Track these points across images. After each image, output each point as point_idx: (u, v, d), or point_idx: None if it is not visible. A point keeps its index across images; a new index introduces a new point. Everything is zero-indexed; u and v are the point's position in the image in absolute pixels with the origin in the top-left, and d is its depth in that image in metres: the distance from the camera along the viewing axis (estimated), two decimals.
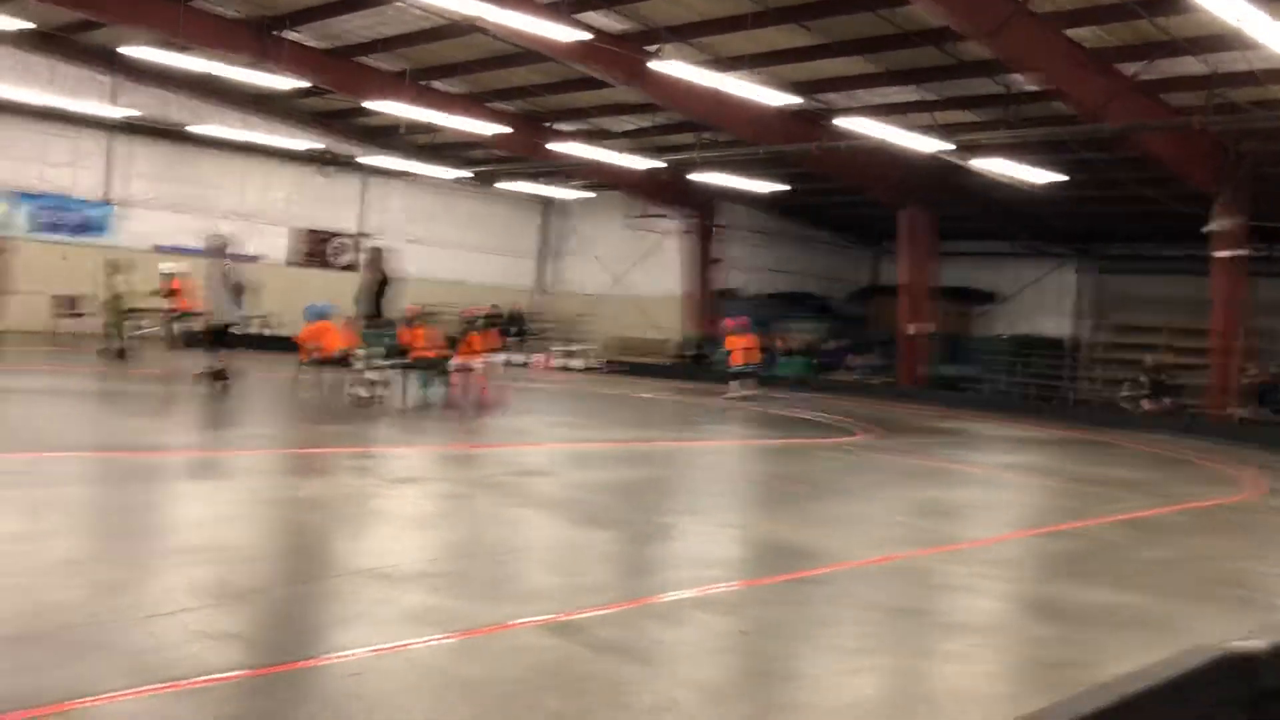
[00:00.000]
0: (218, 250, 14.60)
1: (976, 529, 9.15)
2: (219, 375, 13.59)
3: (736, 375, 20.66)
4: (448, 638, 4.63)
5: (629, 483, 9.99)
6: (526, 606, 5.23)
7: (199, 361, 14.27)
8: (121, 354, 17.92)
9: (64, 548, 5.81)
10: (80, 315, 22.89)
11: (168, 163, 26.17)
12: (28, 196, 24.11)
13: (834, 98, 20.50)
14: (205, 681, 3.85)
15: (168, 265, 18.38)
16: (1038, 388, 25.68)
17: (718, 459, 13.10)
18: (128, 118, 24.44)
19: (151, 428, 11.51)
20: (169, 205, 26.09)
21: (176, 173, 26.33)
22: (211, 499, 7.62)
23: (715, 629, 5.26)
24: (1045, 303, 29.52)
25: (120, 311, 18.21)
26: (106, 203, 25.43)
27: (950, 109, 20.13)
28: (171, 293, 17.83)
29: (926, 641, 5.29)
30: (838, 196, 27.85)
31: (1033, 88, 18.01)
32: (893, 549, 7.50)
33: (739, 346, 20.76)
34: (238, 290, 14.40)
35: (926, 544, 7.89)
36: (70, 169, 24.80)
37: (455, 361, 14.55)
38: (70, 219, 24.78)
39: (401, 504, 8.10)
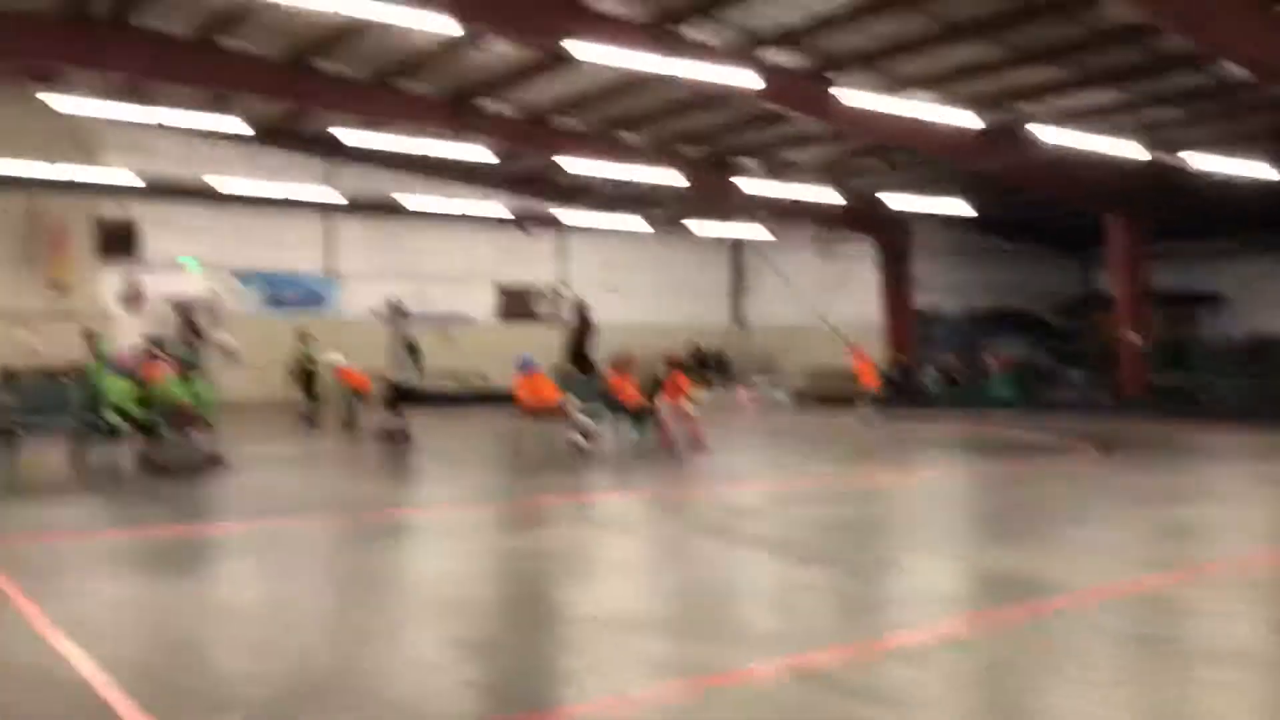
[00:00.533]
0: (394, 315, 15.61)
1: (1225, 549, 8.60)
2: (397, 435, 14.45)
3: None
4: (688, 684, 4.73)
5: (848, 518, 9.90)
6: (762, 650, 5.28)
7: (386, 422, 15.21)
8: (313, 420, 19.20)
9: (317, 606, 6.26)
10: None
11: (380, 235, 27.88)
12: (260, 276, 26.15)
13: (1027, 108, 19.85)
14: None
15: (333, 355, 19.59)
16: (1276, 393, 23.84)
17: (938, 488, 12.79)
18: (345, 198, 26.31)
19: (375, 488, 12.22)
20: (383, 275, 27.72)
21: (388, 244, 28.01)
22: (445, 554, 8.03)
23: (959, 666, 5.16)
24: (1276, 300, 27.44)
25: (310, 377, 19.57)
26: (328, 277, 27.29)
27: (1155, 107, 19.15)
28: (344, 377, 19.16)
29: (1184, 672, 5.03)
30: (1038, 208, 26.85)
31: (1245, 76, 16.94)
32: (1136, 574, 7.16)
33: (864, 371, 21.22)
34: (413, 351, 15.30)
35: (1172, 568, 7.49)
36: (295, 249, 26.79)
37: (663, 404, 14.80)
38: (297, 295, 26.69)
39: (624, 550, 8.31)
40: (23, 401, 11.80)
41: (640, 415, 14.85)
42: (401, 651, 5.27)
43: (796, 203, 25.83)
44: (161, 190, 24.18)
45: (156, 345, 14.04)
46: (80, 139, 22.57)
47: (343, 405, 19.20)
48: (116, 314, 24.16)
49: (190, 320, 15.20)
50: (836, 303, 31.00)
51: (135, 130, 23.41)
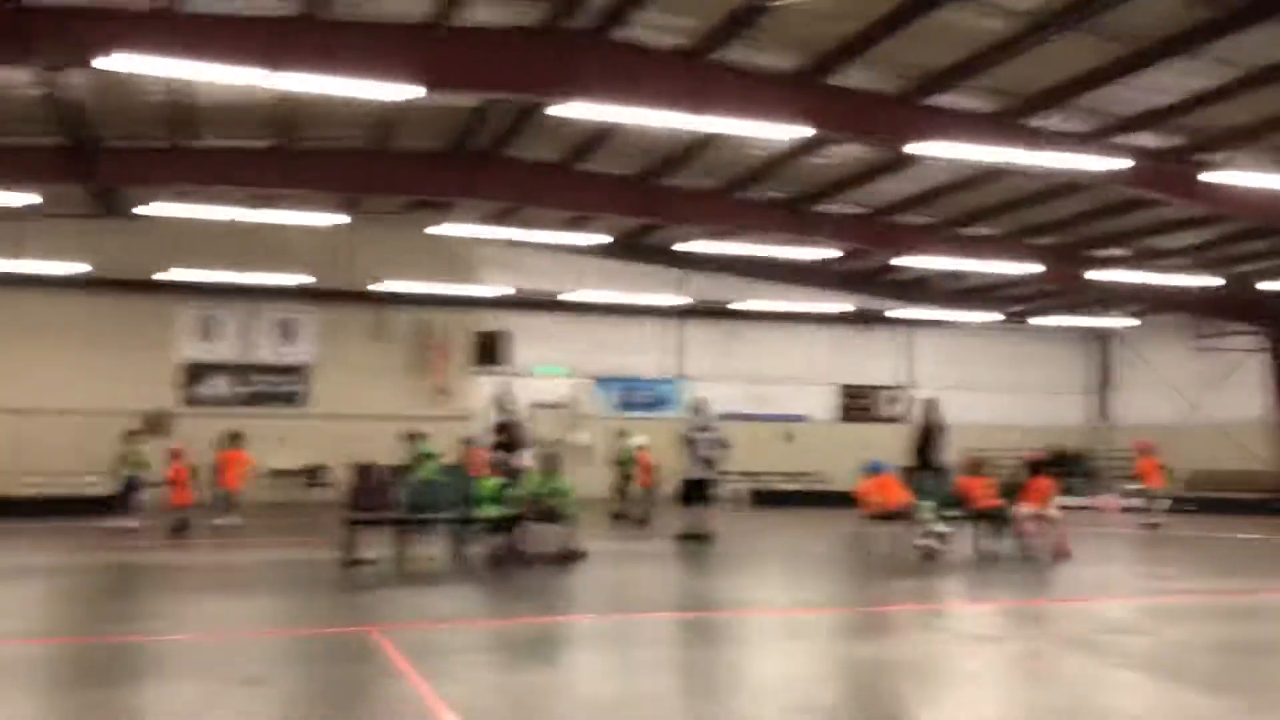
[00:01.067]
0: (693, 412, 15.83)
1: None
2: (697, 535, 14.45)
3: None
4: None
5: (1246, 640, 8.81)
6: None
7: (684, 518, 15.28)
8: (620, 516, 19.87)
9: (672, 703, 6.36)
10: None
11: (724, 338, 28.73)
12: (612, 381, 27.68)
13: None
14: None
15: (637, 440, 20.02)
16: None
17: None
18: (690, 303, 27.46)
19: (719, 586, 12.33)
20: (725, 375, 28.47)
21: (732, 346, 28.79)
22: (791, 657, 7.93)
23: None
24: None
25: (625, 474, 20.04)
26: (672, 379, 28.40)
27: None
28: (639, 463, 19.58)
29: None
30: None
31: None
32: None
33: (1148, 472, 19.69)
34: (711, 448, 15.26)
35: None
36: (646, 354, 28.15)
37: (1023, 509, 13.98)
38: (644, 397, 27.94)
39: (982, 664, 7.84)
40: (409, 499, 13.00)
41: (996, 520, 14.10)
42: None
43: (1164, 291, 23.93)
44: (529, 303, 26.35)
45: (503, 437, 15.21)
46: (461, 260, 25.13)
47: (643, 499, 19.78)
48: (488, 416, 26.41)
49: (511, 426, 16.20)
50: (1219, 398, 28.18)
51: (507, 249, 25.76)
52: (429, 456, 18.09)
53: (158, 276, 22.98)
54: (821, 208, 22.45)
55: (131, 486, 16.87)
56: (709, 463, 15.25)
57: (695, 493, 15.38)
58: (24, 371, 22.43)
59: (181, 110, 17.36)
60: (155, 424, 23.78)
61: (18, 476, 20.18)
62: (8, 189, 18.43)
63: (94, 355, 23.04)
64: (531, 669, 7.36)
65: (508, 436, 16.05)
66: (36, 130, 17.84)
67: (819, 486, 27.56)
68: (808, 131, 15.33)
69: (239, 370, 25.02)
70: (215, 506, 17.07)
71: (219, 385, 24.82)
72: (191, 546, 15.54)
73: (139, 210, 20.19)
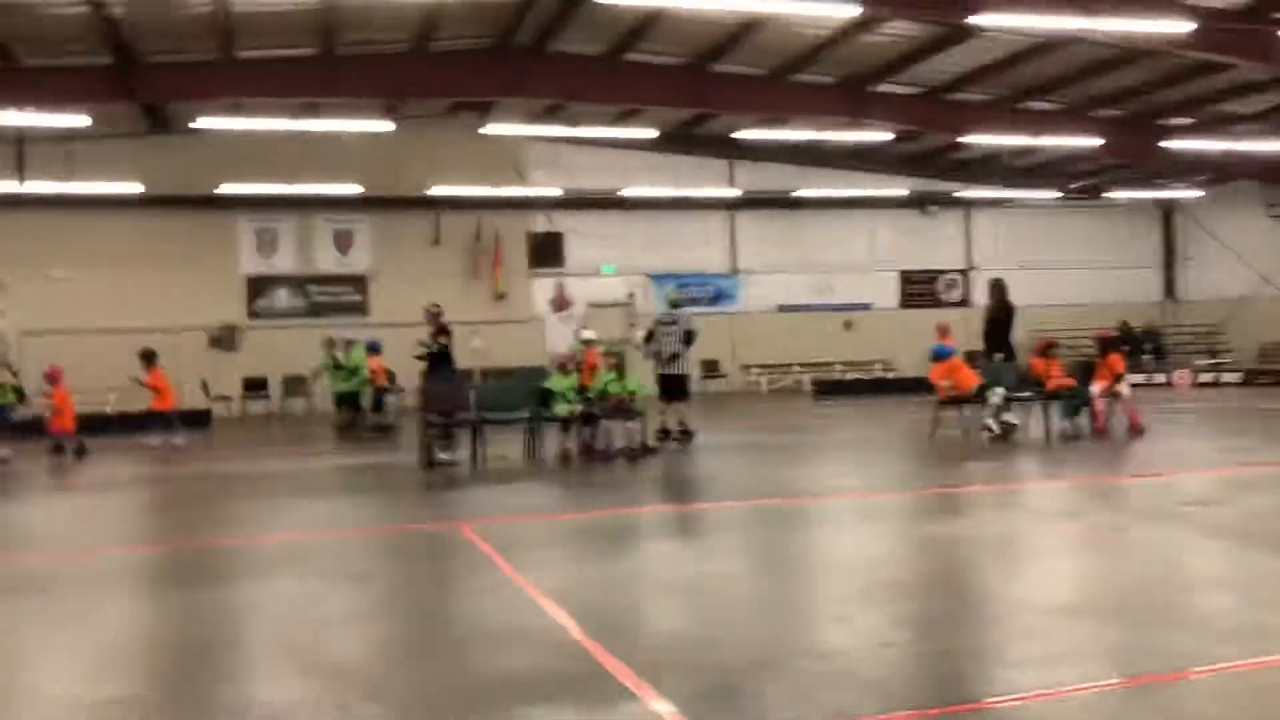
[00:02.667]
0: (669, 305, 15.47)
1: None
2: (681, 432, 14.22)
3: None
4: (1177, 676, 4.35)
5: None
6: (1234, 643, 4.75)
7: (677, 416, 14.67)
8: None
9: (757, 584, 6.44)
10: (721, 376, 25.99)
11: (780, 228, 28.32)
12: (669, 277, 27.48)
13: None
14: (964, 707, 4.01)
15: (587, 334, 16.98)
16: None
17: None
18: (744, 194, 27.08)
19: (795, 472, 12.38)
20: (785, 268, 28.19)
21: (788, 236, 28.39)
22: (872, 538, 7.95)
23: None
24: None
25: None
26: (732, 274, 28.18)
27: None
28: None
29: None
30: None
31: None
32: None
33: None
34: (687, 340, 14.54)
35: None
36: (700, 249, 27.88)
37: (1096, 387, 13.79)
38: (705, 292, 27.81)
39: (1061, 538, 7.81)
40: (481, 399, 13.17)
41: (1068, 400, 13.93)
42: (846, 626, 5.29)
43: (1238, 158, 23.13)
44: (580, 202, 26.14)
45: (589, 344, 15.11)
46: (510, 161, 24.92)
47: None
48: (545, 317, 26.52)
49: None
50: None
51: (556, 148, 25.49)
52: (337, 368, 17.98)
53: (215, 191, 23.05)
54: (876, 88, 21.85)
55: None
56: (675, 357, 14.50)
57: (669, 388, 14.55)
58: (86, 292, 22.78)
59: (222, 21, 17.21)
60: (225, 339, 24.23)
61: (93, 395, 20.66)
62: (57, 110, 18.51)
63: (155, 273, 23.31)
64: (616, 557, 7.47)
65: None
66: (81, 50, 17.83)
67: (883, 374, 27.48)
68: (855, 10, 14.84)
69: (298, 282, 25.24)
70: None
71: (280, 298, 25.08)
72: (275, 454, 15.91)
73: (191, 125, 20.17)
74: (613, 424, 13.02)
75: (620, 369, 13.66)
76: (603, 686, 4.40)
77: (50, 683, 4.81)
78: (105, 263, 23.05)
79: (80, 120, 18.56)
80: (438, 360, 14.00)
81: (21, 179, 21.45)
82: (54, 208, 22.54)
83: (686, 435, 14.29)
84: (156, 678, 4.92)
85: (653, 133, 22.57)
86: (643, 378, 14.48)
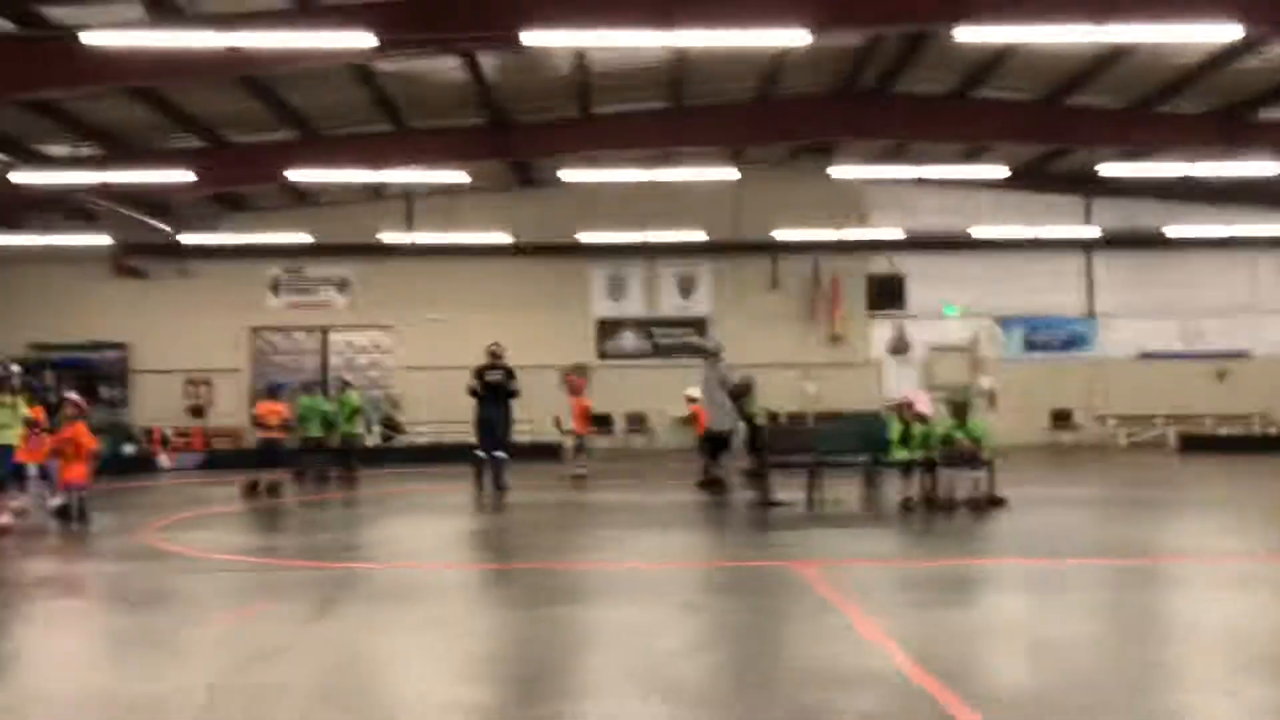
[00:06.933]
0: (714, 355, 14.44)
1: None
2: (714, 484, 13.80)
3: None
4: None
5: None
6: None
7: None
8: None
9: (1115, 651, 5.93)
10: (1074, 428, 24.39)
11: (1142, 269, 26.27)
12: (1018, 320, 26.25)
13: None
14: None
15: (690, 391, 16.70)
16: None
17: None
18: (1104, 233, 25.41)
19: (1147, 532, 11.34)
20: (1148, 311, 26.10)
21: (1151, 277, 26.26)
22: (1247, 606, 7.10)
23: None
24: None
25: None
26: (1089, 317, 26.42)
27: None
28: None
29: None
30: None
31: None
32: None
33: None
34: (735, 395, 13.89)
35: None
36: (1053, 291, 26.37)
37: None
38: (1054, 336, 26.28)
39: None
40: (818, 441, 13.16)
41: None
42: (1235, 700, 4.78)
43: None
44: (923, 243, 25.55)
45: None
46: (851, 203, 24.83)
47: None
48: (884, 361, 26.09)
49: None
50: None
51: (898, 189, 25.12)
52: (328, 410, 17.67)
53: (574, 239, 24.63)
54: (1255, 116, 19.83)
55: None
56: (728, 411, 14.11)
57: (718, 444, 14.19)
58: (459, 333, 25.00)
59: (582, 81, 18.47)
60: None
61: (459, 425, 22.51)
62: (440, 168, 20.62)
63: (519, 315, 25.21)
64: (963, 606, 7.21)
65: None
66: (461, 113, 19.77)
67: (1263, 430, 24.69)
68: (1237, 32, 13.57)
69: (643, 324, 26.41)
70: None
71: (626, 339, 26.35)
72: (605, 486, 16.65)
73: (556, 176, 21.73)
74: (955, 472, 12.54)
75: (963, 414, 13.15)
76: None
77: (414, 684, 5.30)
78: (476, 306, 25.19)
79: (460, 177, 20.53)
80: (490, 396, 14.69)
81: (410, 229, 24.02)
82: (436, 256, 25.05)
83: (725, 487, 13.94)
84: (509, 686, 5.27)
85: (1002, 170, 21.72)
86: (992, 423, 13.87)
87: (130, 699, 4.97)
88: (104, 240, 23.63)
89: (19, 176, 17.30)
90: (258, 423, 15.78)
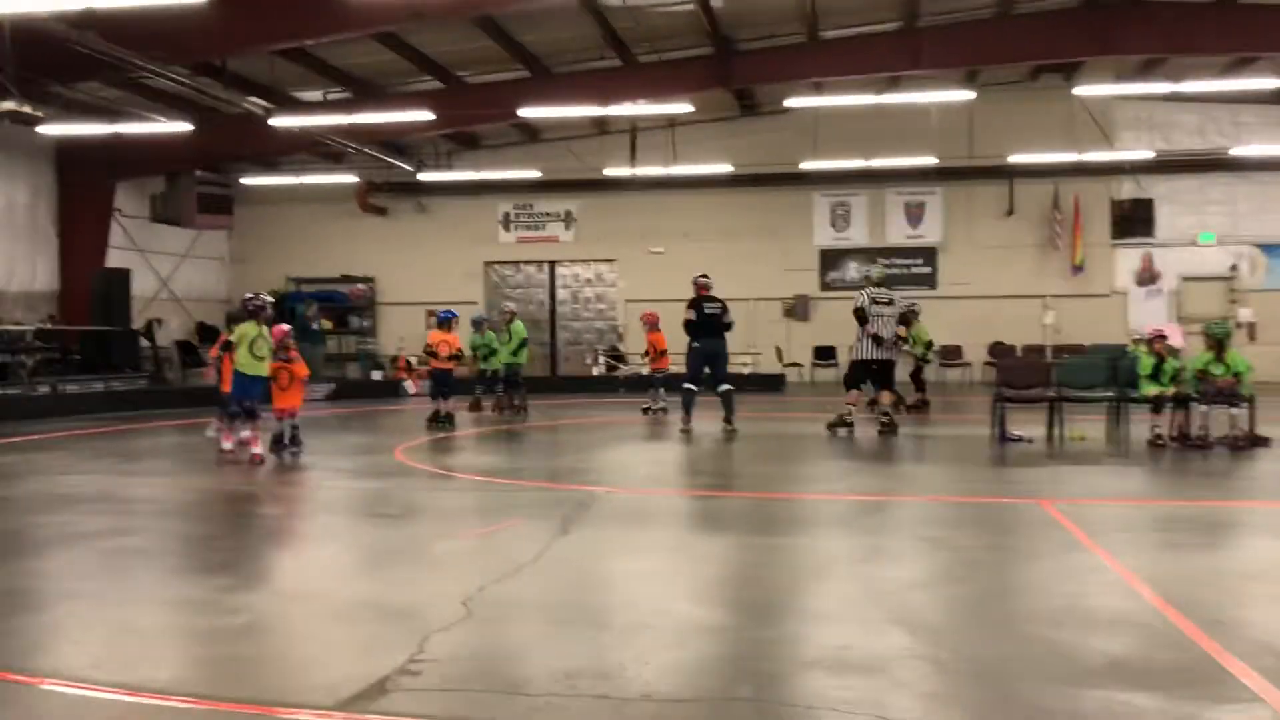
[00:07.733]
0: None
1: None
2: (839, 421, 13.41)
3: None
4: None
5: None
6: None
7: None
8: None
9: None
10: None
11: None
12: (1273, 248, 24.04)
13: None
14: None
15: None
16: None
17: None
18: None
19: None
20: None
21: None
22: None
23: None
24: None
25: None
26: None
27: None
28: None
29: None
30: None
31: None
32: None
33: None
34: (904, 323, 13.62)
35: None
36: None
37: None
38: None
39: None
40: (1060, 375, 12.61)
41: None
42: None
43: None
44: (1176, 165, 23.68)
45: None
46: (1094, 125, 23.22)
47: None
48: (1129, 291, 24.49)
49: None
50: None
51: (1148, 106, 23.32)
52: (483, 346, 18.00)
53: (796, 167, 24.20)
54: None
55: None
56: (899, 341, 13.71)
57: (884, 375, 13.54)
58: (679, 265, 25.10)
59: (808, 4, 17.97)
60: (798, 309, 25.54)
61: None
62: (664, 101, 20.63)
63: (740, 246, 25.09)
64: (1220, 549, 6.80)
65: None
66: (685, 44, 19.67)
67: None
68: None
69: (869, 254, 25.78)
70: None
71: (850, 270, 25.78)
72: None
73: (780, 104, 21.36)
74: (1213, 409, 11.70)
75: (1221, 347, 12.20)
76: (1222, 686, 4.02)
77: (653, 602, 5.43)
78: (696, 238, 25.26)
79: (683, 108, 20.49)
80: (702, 328, 14.30)
81: (634, 163, 24.25)
82: (657, 189, 25.20)
83: (890, 427, 13.34)
84: (745, 609, 5.31)
85: (1271, 83, 19.70)
86: (1250, 357, 12.82)
87: (396, 607, 5.34)
88: (351, 179, 25.12)
89: (276, 120, 18.52)
90: (430, 353, 16.16)
